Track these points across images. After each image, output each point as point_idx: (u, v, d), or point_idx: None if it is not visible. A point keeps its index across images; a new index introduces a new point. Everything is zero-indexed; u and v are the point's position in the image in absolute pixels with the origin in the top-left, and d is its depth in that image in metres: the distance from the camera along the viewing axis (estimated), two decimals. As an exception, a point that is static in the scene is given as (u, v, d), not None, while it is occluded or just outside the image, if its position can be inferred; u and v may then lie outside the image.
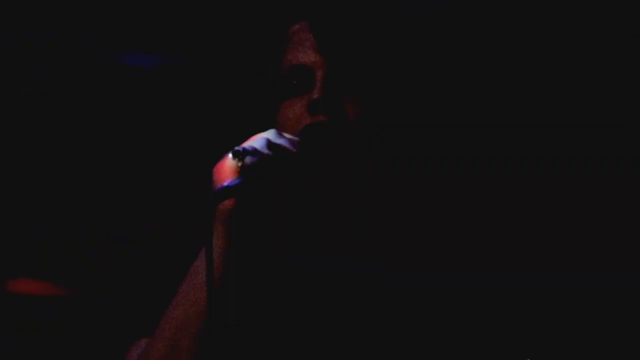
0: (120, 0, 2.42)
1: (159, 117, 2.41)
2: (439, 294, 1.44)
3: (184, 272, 1.40)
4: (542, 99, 2.53)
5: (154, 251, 2.23)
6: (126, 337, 1.54)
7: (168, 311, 1.38)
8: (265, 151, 1.32)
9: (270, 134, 1.35)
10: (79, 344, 2.39)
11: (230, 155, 1.32)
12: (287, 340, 1.43)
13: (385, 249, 1.46)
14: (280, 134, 1.35)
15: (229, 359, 1.37)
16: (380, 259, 1.46)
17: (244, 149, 1.32)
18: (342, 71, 1.43)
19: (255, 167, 1.31)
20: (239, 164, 1.31)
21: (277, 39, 1.50)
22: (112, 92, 2.44)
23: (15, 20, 2.40)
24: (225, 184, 1.31)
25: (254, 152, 1.32)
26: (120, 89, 2.45)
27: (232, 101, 1.63)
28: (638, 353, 1.89)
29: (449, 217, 1.54)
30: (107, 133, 2.44)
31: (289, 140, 1.35)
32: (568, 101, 2.52)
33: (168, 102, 2.40)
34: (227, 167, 1.32)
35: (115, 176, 2.42)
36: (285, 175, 1.34)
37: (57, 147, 2.47)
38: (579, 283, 1.77)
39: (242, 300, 1.37)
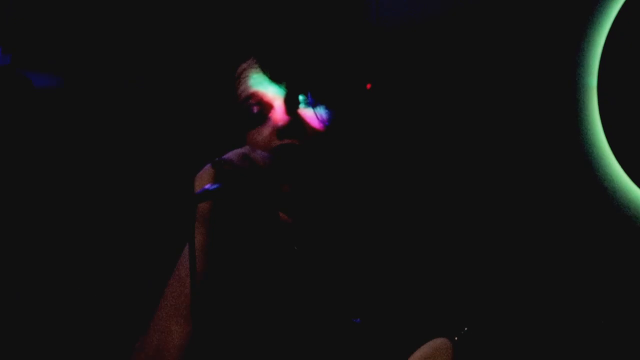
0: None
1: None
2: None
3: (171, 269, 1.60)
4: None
5: (143, 253, 2.34)
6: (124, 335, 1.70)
7: (160, 302, 1.59)
8: (240, 162, 1.54)
9: (246, 149, 1.57)
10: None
11: (210, 164, 1.54)
12: (260, 326, 1.64)
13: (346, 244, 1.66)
14: (254, 150, 1.57)
15: (213, 341, 1.58)
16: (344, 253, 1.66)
17: (222, 159, 1.54)
18: (295, 96, 1.63)
19: (231, 175, 1.53)
20: (218, 172, 1.54)
21: (229, 76, 1.69)
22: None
23: None
24: (205, 187, 1.53)
25: (230, 162, 1.54)
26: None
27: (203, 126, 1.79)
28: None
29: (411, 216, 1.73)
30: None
31: (262, 155, 1.57)
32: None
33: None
34: (207, 174, 1.54)
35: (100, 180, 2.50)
36: (257, 182, 1.56)
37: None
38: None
39: (221, 289, 1.59)
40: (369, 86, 1.72)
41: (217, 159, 1.54)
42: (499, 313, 1.69)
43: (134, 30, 2.53)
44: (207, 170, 1.54)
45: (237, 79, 1.67)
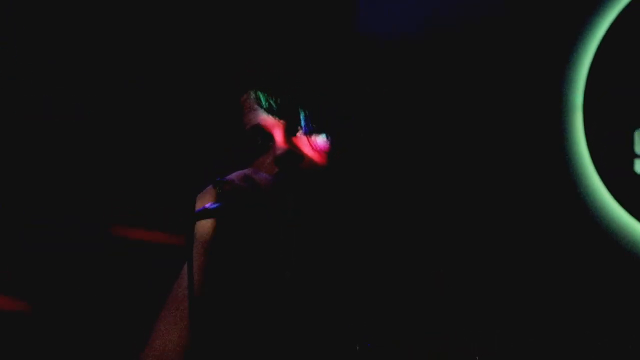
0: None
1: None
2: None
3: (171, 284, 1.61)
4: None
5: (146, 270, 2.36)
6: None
7: (161, 314, 1.59)
8: (242, 183, 1.55)
9: (249, 171, 1.58)
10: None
11: (211, 185, 1.55)
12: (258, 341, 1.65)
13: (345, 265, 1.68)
14: (257, 172, 1.58)
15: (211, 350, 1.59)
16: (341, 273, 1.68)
17: (224, 179, 1.55)
18: (292, 124, 1.65)
19: (232, 195, 1.54)
20: (219, 192, 1.54)
21: (233, 108, 1.72)
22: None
23: None
24: (205, 206, 1.54)
25: (231, 182, 1.55)
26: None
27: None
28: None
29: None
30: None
31: (264, 177, 1.58)
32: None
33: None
34: (209, 194, 1.55)
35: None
36: (257, 203, 1.56)
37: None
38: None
39: (220, 306, 1.60)
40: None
41: (218, 179, 1.55)
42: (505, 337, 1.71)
43: (134, 31, 2.54)
44: (209, 190, 1.55)
45: (241, 109, 1.69)
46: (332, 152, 1.64)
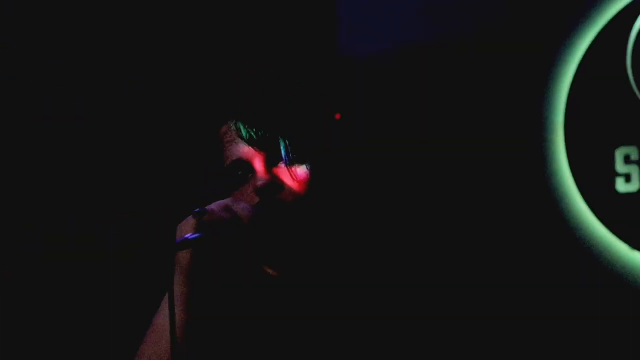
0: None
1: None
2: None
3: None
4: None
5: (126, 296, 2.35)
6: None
7: (141, 346, 1.58)
8: (222, 213, 1.54)
9: (229, 201, 1.57)
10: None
11: (192, 215, 1.53)
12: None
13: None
14: (237, 202, 1.57)
15: None
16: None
17: (204, 209, 1.54)
18: (272, 155, 1.64)
19: (212, 225, 1.53)
20: (199, 222, 1.53)
21: (211, 140, 1.71)
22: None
23: None
24: (185, 236, 1.52)
25: (211, 213, 1.53)
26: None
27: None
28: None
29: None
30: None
31: (244, 207, 1.56)
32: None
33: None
34: (189, 224, 1.53)
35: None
36: (237, 233, 1.55)
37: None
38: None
39: (201, 339, 1.58)
40: (338, 116, 1.75)
41: (198, 209, 1.54)
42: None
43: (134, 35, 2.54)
44: (189, 220, 1.53)
45: (221, 142, 1.69)
46: (312, 181, 1.64)
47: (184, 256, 1.55)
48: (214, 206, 1.55)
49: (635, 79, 2.61)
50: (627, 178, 2.61)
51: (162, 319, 1.56)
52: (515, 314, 2.59)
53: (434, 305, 1.71)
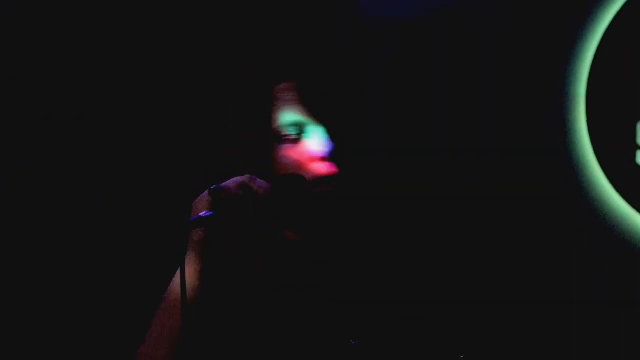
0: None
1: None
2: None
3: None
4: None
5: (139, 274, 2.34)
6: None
7: (153, 321, 1.59)
8: (238, 191, 1.53)
9: (245, 178, 1.56)
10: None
11: (207, 192, 1.53)
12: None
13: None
14: (254, 179, 1.56)
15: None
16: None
17: (219, 187, 1.53)
18: (331, 124, 1.63)
19: (227, 203, 1.52)
20: (214, 199, 1.53)
21: (265, 97, 1.69)
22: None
23: None
24: (199, 214, 1.53)
25: (227, 190, 1.53)
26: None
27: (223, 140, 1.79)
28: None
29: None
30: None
31: (261, 185, 1.56)
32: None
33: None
34: (204, 201, 1.53)
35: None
36: (252, 211, 1.55)
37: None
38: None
39: (211, 313, 1.59)
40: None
41: (214, 186, 1.53)
42: (494, 339, 1.72)
43: (134, 30, 2.53)
44: (204, 197, 1.53)
45: (275, 99, 1.65)
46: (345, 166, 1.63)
47: (197, 234, 1.55)
48: (230, 183, 1.54)
49: (659, 52, 2.58)
50: (648, 151, 2.59)
51: (173, 295, 1.57)
52: (533, 286, 2.60)
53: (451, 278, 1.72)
